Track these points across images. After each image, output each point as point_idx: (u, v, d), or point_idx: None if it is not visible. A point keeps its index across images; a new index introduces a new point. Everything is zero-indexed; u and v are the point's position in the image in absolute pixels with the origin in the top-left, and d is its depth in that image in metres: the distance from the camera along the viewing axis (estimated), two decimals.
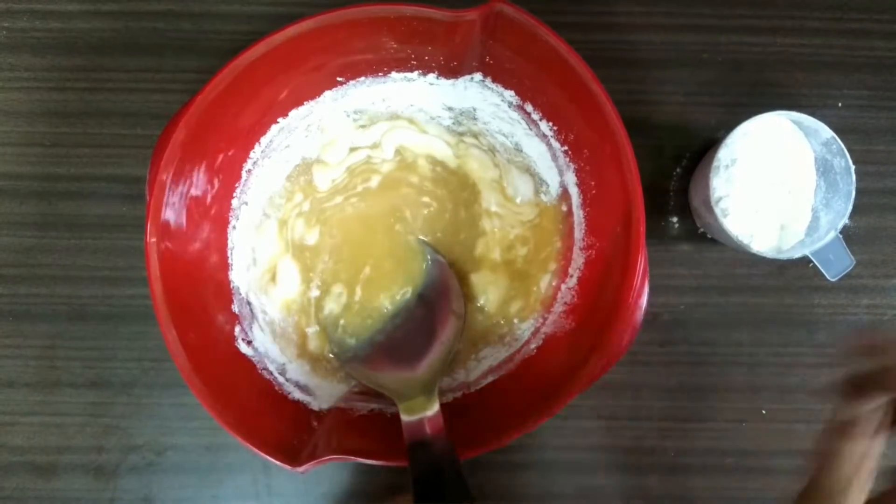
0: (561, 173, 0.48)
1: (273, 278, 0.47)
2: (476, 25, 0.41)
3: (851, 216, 0.50)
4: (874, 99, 0.51)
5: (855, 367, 0.29)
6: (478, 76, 0.47)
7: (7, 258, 0.49)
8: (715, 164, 0.44)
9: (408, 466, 0.38)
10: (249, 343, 0.45)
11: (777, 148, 0.46)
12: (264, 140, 0.47)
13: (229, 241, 0.47)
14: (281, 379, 0.45)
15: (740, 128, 0.44)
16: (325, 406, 0.45)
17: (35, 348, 0.49)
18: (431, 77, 0.47)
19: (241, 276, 0.47)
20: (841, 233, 0.43)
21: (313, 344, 0.47)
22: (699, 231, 0.50)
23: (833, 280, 0.45)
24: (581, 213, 0.47)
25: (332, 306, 0.47)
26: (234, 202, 0.47)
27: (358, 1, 0.41)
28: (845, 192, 0.43)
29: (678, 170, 0.50)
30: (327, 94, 0.48)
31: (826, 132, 0.43)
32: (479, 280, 0.48)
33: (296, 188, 0.49)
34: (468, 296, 0.48)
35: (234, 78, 0.41)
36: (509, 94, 0.47)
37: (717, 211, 0.44)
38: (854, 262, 0.44)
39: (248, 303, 0.47)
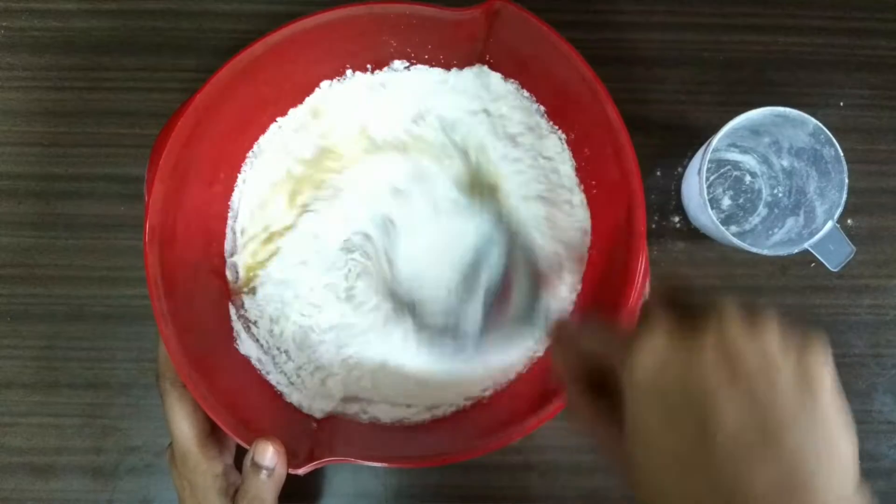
0: None
1: None
2: (476, 24, 0.41)
3: (852, 216, 0.49)
4: (876, 98, 0.51)
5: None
6: None
7: (5, 258, 0.49)
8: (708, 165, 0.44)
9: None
10: None
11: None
12: (263, 140, 0.47)
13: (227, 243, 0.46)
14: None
15: (726, 127, 0.43)
16: None
17: (33, 349, 0.48)
18: None
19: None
20: (838, 222, 0.42)
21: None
22: (700, 231, 0.50)
23: (835, 270, 0.44)
24: None
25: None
26: (233, 202, 0.46)
27: None
28: (838, 182, 0.42)
29: (679, 169, 0.50)
30: None
31: (811, 122, 0.42)
32: None
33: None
34: None
35: (232, 77, 0.40)
36: None
37: (713, 212, 0.44)
38: (854, 250, 0.43)
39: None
